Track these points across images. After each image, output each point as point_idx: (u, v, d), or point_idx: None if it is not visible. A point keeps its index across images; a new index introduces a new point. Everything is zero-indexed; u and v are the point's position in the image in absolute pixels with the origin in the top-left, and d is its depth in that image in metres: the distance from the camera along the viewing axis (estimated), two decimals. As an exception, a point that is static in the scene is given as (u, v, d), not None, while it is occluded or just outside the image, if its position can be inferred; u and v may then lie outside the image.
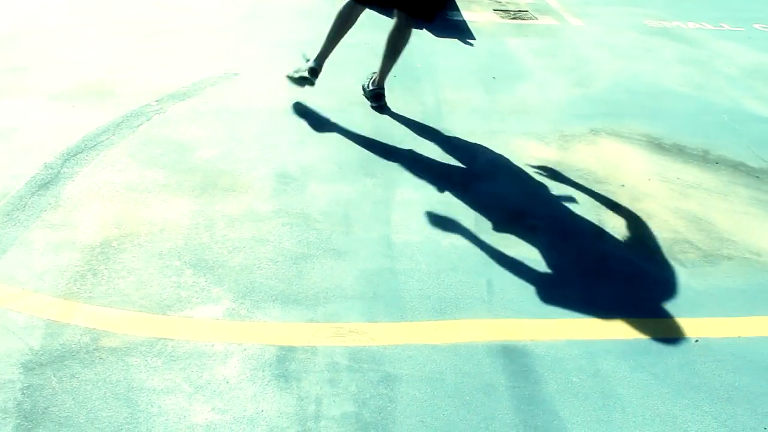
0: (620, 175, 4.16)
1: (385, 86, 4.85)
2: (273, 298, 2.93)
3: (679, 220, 3.73)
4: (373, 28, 6.53)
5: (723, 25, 7.82)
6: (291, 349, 2.67)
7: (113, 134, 4.21)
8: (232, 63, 5.51)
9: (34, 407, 2.35)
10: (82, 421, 2.32)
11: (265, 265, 3.13)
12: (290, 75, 4.78)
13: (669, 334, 2.91)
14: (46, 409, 2.35)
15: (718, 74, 6.12)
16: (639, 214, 3.77)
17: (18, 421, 2.29)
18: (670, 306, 3.07)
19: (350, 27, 4.75)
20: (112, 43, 5.82)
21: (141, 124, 4.36)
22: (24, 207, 3.42)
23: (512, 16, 7.66)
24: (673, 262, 3.38)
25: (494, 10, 7.88)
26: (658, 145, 4.59)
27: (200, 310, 2.84)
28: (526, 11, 7.89)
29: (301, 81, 4.73)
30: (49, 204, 3.46)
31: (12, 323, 2.70)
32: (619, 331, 2.91)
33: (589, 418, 2.46)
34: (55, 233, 3.25)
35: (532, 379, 2.61)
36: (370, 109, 4.84)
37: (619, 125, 4.86)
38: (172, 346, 2.65)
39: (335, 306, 2.91)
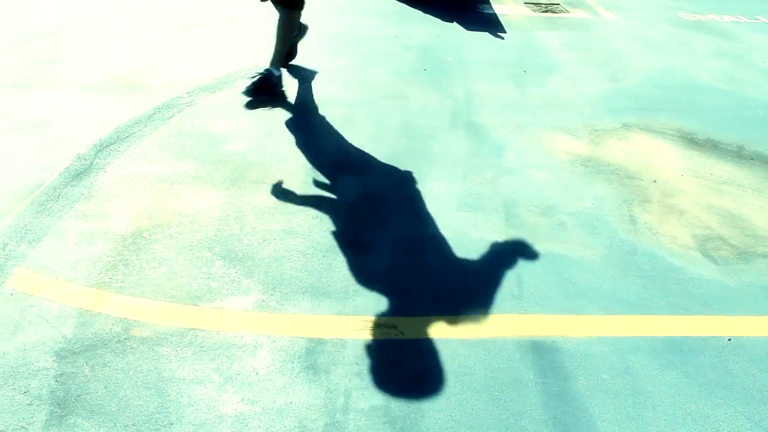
0: (652, 170, 4.12)
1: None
2: (302, 290, 2.94)
3: (713, 217, 3.68)
4: (403, 22, 6.54)
5: (759, 18, 7.69)
6: (320, 342, 2.68)
7: (145, 126, 4.24)
8: (263, 56, 5.52)
9: (67, 395, 2.38)
10: (113, 409, 2.34)
11: (294, 257, 3.14)
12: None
13: (701, 332, 2.87)
14: (78, 396, 2.38)
15: (754, 68, 6.02)
16: (671, 210, 3.73)
17: (52, 408, 2.32)
18: (702, 303, 3.04)
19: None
20: (145, 36, 5.86)
21: (172, 116, 4.39)
22: (57, 197, 3.46)
23: (544, 10, 7.60)
24: (705, 259, 3.33)
25: (525, 3, 7.83)
26: (692, 141, 4.53)
27: (230, 302, 2.86)
28: (558, 4, 7.83)
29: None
30: (82, 194, 3.50)
31: (46, 312, 2.74)
32: (649, 328, 2.88)
33: (619, 416, 2.44)
34: (87, 223, 3.29)
35: (562, 375, 2.60)
36: (399, 101, 4.83)
37: (652, 120, 4.81)
38: (203, 337, 2.67)
39: (364, 299, 2.92)
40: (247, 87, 4.67)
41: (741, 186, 4.00)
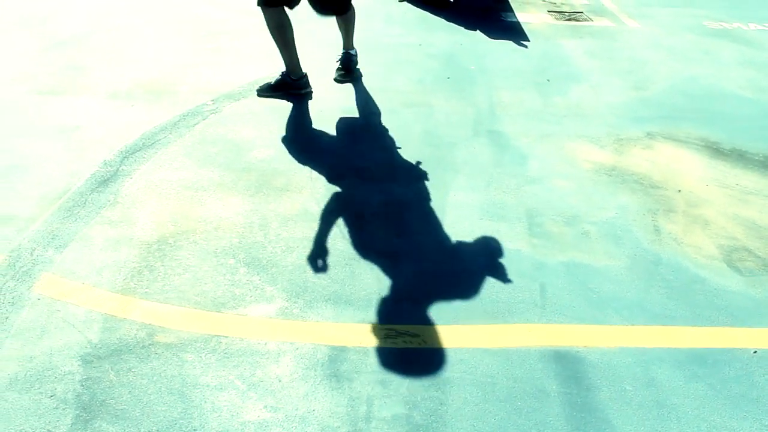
0: (677, 180, 4.09)
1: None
2: (326, 298, 2.96)
3: (738, 227, 3.65)
4: (426, 30, 6.55)
5: (786, 27, 7.63)
6: (343, 350, 2.69)
7: (170, 133, 4.28)
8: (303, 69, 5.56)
9: (92, 399, 2.41)
10: (137, 414, 2.36)
11: (318, 265, 3.15)
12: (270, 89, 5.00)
13: (726, 344, 2.85)
14: (103, 401, 2.41)
15: (780, 78, 5.97)
16: (696, 220, 3.70)
17: (77, 412, 2.35)
18: (727, 315, 3.01)
19: (291, 28, 4.83)
20: (171, 43, 5.92)
21: (197, 123, 4.43)
22: (84, 203, 3.50)
23: (567, 18, 7.58)
24: (731, 270, 3.31)
25: (549, 11, 7.81)
26: (717, 150, 4.50)
27: (254, 309, 2.88)
28: (581, 12, 7.80)
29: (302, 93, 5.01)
30: (108, 201, 3.54)
31: (72, 316, 2.77)
32: (673, 339, 2.86)
33: (642, 428, 2.42)
34: (113, 229, 3.32)
35: (585, 385, 2.59)
36: (422, 109, 4.84)
37: (677, 129, 4.78)
38: (226, 344, 2.69)
39: (387, 307, 2.92)
40: (337, 75, 5.32)
41: (767, 196, 3.96)
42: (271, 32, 4.81)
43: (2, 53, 5.48)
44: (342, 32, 5.32)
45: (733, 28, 7.45)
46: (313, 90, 4.97)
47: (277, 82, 4.93)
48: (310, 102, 4.85)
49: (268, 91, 4.93)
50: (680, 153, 4.44)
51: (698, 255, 3.41)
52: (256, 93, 4.93)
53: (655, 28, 7.29)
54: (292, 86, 4.91)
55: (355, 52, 5.42)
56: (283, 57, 4.87)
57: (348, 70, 5.36)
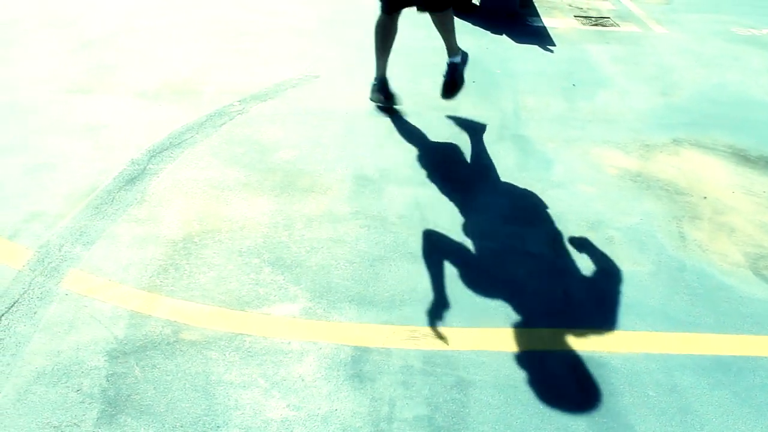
0: (703, 186, 4.07)
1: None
2: (349, 298, 2.97)
3: (765, 235, 3.62)
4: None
5: (815, 34, 7.55)
6: (366, 350, 2.70)
7: (197, 133, 4.32)
8: (313, 65, 5.60)
9: (117, 394, 2.44)
10: (162, 410, 2.39)
11: (342, 265, 3.17)
12: (373, 100, 4.92)
13: (751, 352, 2.83)
14: (128, 396, 2.43)
15: (809, 85, 5.91)
16: (722, 227, 3.68)
17: (103, 407, 2.38)
18: (752, 323, 2.99)
19: (394, 36, 4.80)
20: (199, 44, 5.97)
21: (224, 124, 4.47)
22: (112, 201, 3.54)
23: (593, 23, 7.55)
24: (757, 278, 3.28)
25: (575, 16, 7.79)
26: (744, 157, 4.46)
27: (278, 308, 2.90)
28: (608, 18, 7.77)
29: (387, 104, 4.87)
30: (135, 199, 3.58)
31: (99, 312, 2.80)
32: (698, 346, 2.84)
33: (665, 434, 2.41)
34: (140, 227, 3.36)
35: (608, 391, 2.58)
36: (447, 113, 4.85)
37: (703, 136, 4.75)
38: (250, 342, 2.71)
39: (411, 309, 2.93)
40: (444, 91, 4.80)
41: (795, 204, 3.93)
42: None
43: (32, 53, 5.56)
44: (441, 35, 4.76)
45: (763, 34, 7.38)
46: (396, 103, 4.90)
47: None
48: (336, 103, 4.87)
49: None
50: (707, 160, 4.41)
51: (723, 262, 3.38)
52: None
53: (683, 34, 7.25)
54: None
55: (461, 58, 4.84)
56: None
57: (454, 84, 4.79)
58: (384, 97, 4.85)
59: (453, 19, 4.75)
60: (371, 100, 4.89)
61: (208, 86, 5.05)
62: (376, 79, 4.86)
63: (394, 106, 4.87)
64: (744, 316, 3.02)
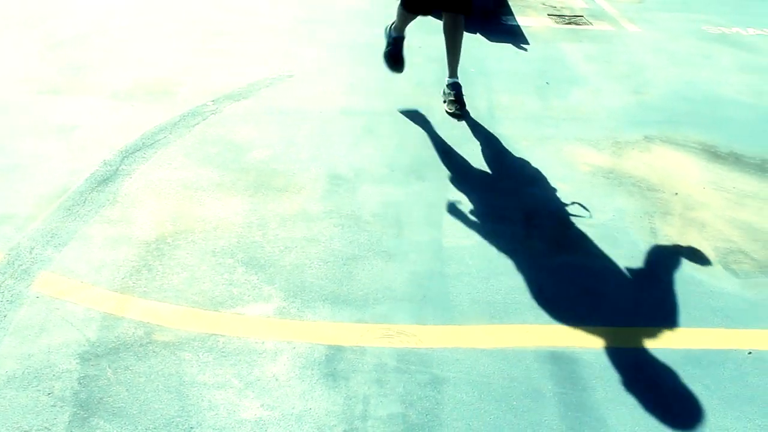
0: (674, 183, 4.11)
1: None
2: (323, 297, 2.97)
3: (734, 230, 3.67)
4: (428, 33, 6.55)
5: (785, 32, 7.65)
6: (340, 349, 2.70)
7: (170, 133, 4.30)
8: (287, 65, 5.58)
9: (89, 397, 2.42)
10: (135, 412, 2.38)
11: (315, 265, 3.17)
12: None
13: (721, 345, 2.86)
14: (101, 399, 2.42)
15: (778, 82, 5.99)
16: (692, 222, 3.72)
17: (74, 410, 2.36)
18: (722, 316, 3.02)
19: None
20: (172, 44, 5.94)
21: (197, 124, 4.45)
22: (84, 202, 3.52)
23: (567, 22, 7.60)
24: (726, 272, 3.32)
25: (549, 15, 7.83)
26: (714, 154, 4.52)
27: (251, 308, 2.89)
28: (582, 16, 7.83)
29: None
30: (108, 200, 3.56)
31: (70, 315, 2.78)
32: (669, 340, 2.87)
33: (637, 428, 2.43)
34: (112, 228, 3.34)
35: (580, 386, 2.60)
36: (422, 112, 4.86)
37: (675, 133, 4.80)
38: (224, 342, 2.70)
39: (384, 307, 2.94)
40: (452, 110, 4.82)
41: (763, 199, 3.98)
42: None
43: (3, 53, 5.50)
44: (448, 53, 4.89)
45: (732, 33, 7.47)
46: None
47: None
48: (310, 103, 4.86)
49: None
50: (678, 156, 4.46)
51: (694, 257, 3.42)
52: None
53: (655, 33, 7.32)
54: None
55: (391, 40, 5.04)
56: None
57: (461, 101, 4.87)
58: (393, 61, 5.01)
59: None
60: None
61: (181, 86, 5.03)
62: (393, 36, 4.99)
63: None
64: (714, 309, 3.06)
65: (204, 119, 4.52)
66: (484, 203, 3.77)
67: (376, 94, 5.09)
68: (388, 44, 5.02)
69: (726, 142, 4.68)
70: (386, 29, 5.05)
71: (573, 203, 3.82)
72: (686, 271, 3.32)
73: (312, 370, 2.60)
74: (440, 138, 4.51)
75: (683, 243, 3.53)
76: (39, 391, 2.43)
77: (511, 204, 3.78)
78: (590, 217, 3.70)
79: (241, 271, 3.11)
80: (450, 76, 4.90)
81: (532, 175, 4.10)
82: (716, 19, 7.93)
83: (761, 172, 4.30)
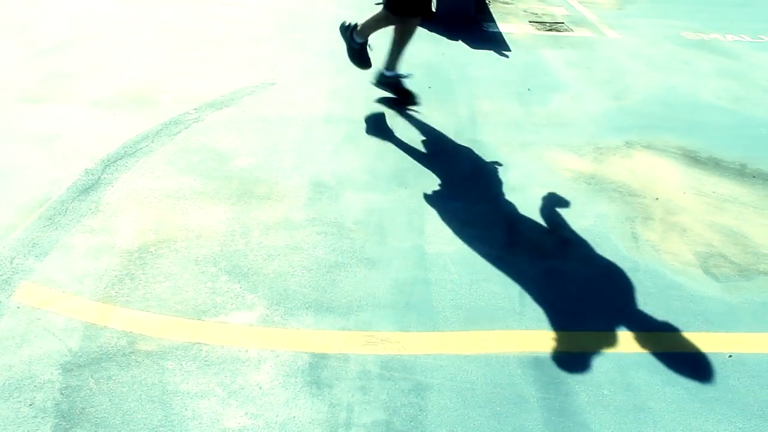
0: (655, 188, 4.14)
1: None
2: (306, 305, 2.97)
3: (714, 234, 3.70)
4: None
5: (762, 37, 7.74)
6: (323, 357, 2.70)
7: (152, 141, 4.29)
8: (269, 73, 5.59)
9: (71, 407, 2.41)
10: (117, 422, 2.36)
11: (299, 272, 3.17)
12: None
13: (702, 348, 2.89)
14: (83, 409, 2.40)
15: (757, 87, 6.06)
16: (673, 227, 3.75)
17: (56, 421, 2.35)
18: (703, 320, 3.05)
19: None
20: (155, 52, 5.93)
21: (179, 132, 4.44)
22: (65, 212, 3.50)
23: (548, 28, 7.65)
24: (707, 277, 3.35)
25: (530, 21, 7.89)
26: (694, 159, 4.56)
27: (235, 316, 2.89)
28: (562, 23, 7.88)
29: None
30: (90, 209, 3.54)
31: (52, 325, 2.76)
32: (651, 344, 2.89)
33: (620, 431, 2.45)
34: (94, 238, 3.32)
35: (563, 391, 2.61)
36: (405, 119, 4.88)
37: (655, 138, 4.84)
38: (207, 351, 2.69)
39: (368, 315, 2.94)
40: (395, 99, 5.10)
41: (743, 204, 4.02)
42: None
43: (-17, 62, 5.47)
44: (396, 44, 4.97)
45: (711, 39, 7.55)
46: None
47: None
48: (292, 110, 4.87)
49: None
50: (658, 162, 4.50)
51: (675, 261, 3.45)
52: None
53: (635, 39, 7.38)
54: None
55: (393, 73, 5.09)
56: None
57: (398, 94, 5.14)
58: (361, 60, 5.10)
59: (405, 35, 4.95)
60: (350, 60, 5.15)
61: (163, 94, 5.01)
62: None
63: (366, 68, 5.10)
64: (695, 313, 3.09)
65: (186, 127, 4.51)
66: (467, 209, 3.79)
67: (358, 101, 5.10)
68: (352, 46, 5.07)
69: (706, 147, 4.73)
70: (343, 28, 5.08)
71: (555, 209, 3.85)
72: (667, 275, 3.34)
73: (296, 378, 2.60)
74: (422, 145, 4.52)
75: (664, 248, 3.56)
76: (20, 402, 2.41)
77: (493, 210, 3.80)
78: (572, 222, 3.72)
79: (224, 279, 3.10)
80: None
81: (513, 181, 4.12)
82: (695, 26, 8.01)
83: (740, 176, 4.35)
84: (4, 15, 6.64)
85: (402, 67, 5.05)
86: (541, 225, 3.69)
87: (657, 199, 4.02)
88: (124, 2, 7.38)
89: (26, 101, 4.77)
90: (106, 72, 5.40)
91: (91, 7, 7.13)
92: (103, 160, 4.01)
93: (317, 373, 2.62)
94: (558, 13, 8.33)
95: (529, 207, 3.85)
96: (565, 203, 3.91)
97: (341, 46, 5.23)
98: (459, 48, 6.64)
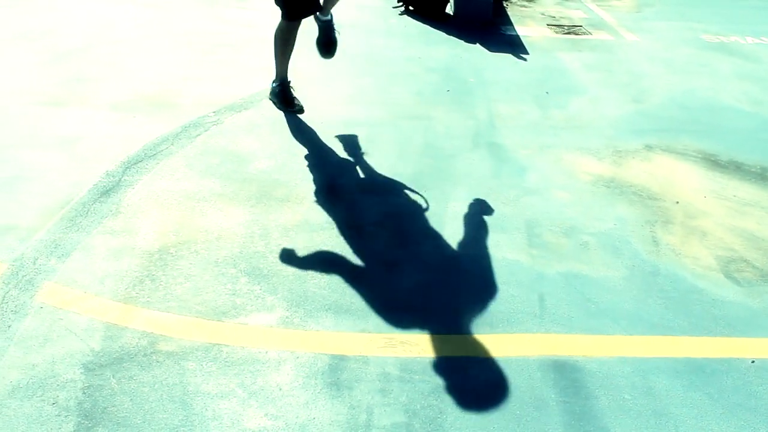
0: (675, 191, 4.12)
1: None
2: (326, 307, 2.98)
3: (735, 239, 3.68)
4: (427, 43, 6.61)
5: (783, 40, 7.69)
6: (343, 359, 2.70)
7: (172, 144, 4.31)
8: (288, 75, 5.59)
9: (94, 407, 2.42)
10: (139, 421, 2.38)
11: (318, 274, 3.18)
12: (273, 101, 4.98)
13: (724, 353, 2.87)
14: (105, 409, 2.42)
15: (777, 91, 6.01)
16: (694, 231, 3.73)
17: (79, 420, 2.37)
18: (724, 325, 3.03)
19: (294, 42, 4.87)
20: (174, 56, 5.97)
21: (199, 135, 4.47)
22: (86, 213, 3.53)
23: (566, 31, 7.64)
24: (728, 281, 3.33)
25: (548, 25, 7.87)
26: (715, 162, 4.53)
27: (254, 318, 2.90)
28: (581, 26, 7.86)
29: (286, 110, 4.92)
30: (110, 211, 3.57)
31: (74, 325, 2.79)
32: (672, 349, 2.88)
33: (640, 436, 2.44)
34: (115, 239, 3.34)
35: (583, 395, 2.60)
36: (422, 122, 4.88)
37: (675, 141, 4.81)
38: (227, 352, 2.70)
39: (387, 317, 2.94)
40: (323, 51, 4.98)
41: (764, 208, 3.99)
42: (277, 41, 4.82)
43: (4, 66, 5.52)
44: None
45: (731, 41, 7.50)
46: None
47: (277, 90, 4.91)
48: (311, 114, 4.88)
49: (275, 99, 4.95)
50: (678, 165, 4.47)
51: (696, 266, 3.43)
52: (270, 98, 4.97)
53: (654, 42, 7.35)
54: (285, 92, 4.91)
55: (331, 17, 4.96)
56: (279, 65, 4.88)
57: (330, 42, 4.99)
58: (282, 102, 4.89)
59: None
60: (270, 100, 4.97)
61: (183, 98, 5.04)
62: (276, 81, 4.90)
63: (296, 112, 4.88)
64: (716, 318, 3.07)
65: (206, 130, 4.54)
66: (486, 213, 3.78)
67: (377, 104, 5.10)
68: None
69: (726, 151, 4.70)
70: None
71: (574, 212, 3.83)
72: (688, 279, 3.32)
73: (315, 379, 2.60)
74: (440, 148, 4.52)
75: (685, 252, 3.54)
76: (43, 401, 2.44)
77: (512, 213, 3.79)
78: (591, 226, 3.71)
79: (243, 281, 3.11)
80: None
81: (532, 185, 4.11)
82: (714, 28, 7.97)
83: (762, 180, 4.32)
84: (26, 20, 6.71)
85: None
86: (560, 228, 3.68)
87: (677, 202, 4.00)
88: (142, 7, 7.43)
89: (47, 105, 4.81)
90: (126, 76, 5.44)
91: (109, 12, 7.17)
92: (124, 163, 4.04)
93: (337, 374, 2.63)
94: (576, 16, 8.31)
95: (548, 210, 3.84)
96: (584, 206, 3.90)
97: (360, 49, 5.26)
98: (477, 51, 6.64)
